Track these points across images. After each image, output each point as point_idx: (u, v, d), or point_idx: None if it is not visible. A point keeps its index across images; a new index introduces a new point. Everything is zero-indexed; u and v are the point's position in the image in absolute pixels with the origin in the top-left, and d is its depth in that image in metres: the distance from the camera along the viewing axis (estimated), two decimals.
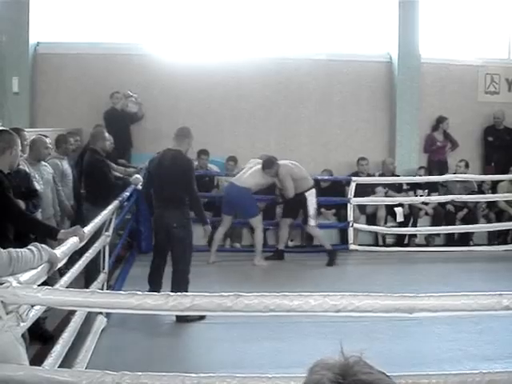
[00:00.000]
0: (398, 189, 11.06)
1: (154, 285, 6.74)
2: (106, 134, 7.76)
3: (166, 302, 2.93)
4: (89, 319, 5.45)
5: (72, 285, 4.28)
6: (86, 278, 6.37)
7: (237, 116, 11.38)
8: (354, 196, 10.43)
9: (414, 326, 5.83)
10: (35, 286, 3.15)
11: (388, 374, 1.12)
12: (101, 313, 5.75)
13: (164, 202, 6.70)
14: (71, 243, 3.89)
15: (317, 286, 7.00)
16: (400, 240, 10.78)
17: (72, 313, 4.76)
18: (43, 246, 3.10)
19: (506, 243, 10.75)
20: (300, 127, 11.57)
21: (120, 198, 6.96)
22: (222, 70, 11.14)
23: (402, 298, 3.08)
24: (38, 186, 5.99)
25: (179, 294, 2.99)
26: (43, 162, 6.92)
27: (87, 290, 3.17)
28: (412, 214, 10.94)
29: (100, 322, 5.87)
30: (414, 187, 11.05)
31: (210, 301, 3.02)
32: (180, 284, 6.42)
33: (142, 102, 10.87)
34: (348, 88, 11.60)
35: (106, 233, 6.33)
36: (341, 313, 3.06)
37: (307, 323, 5.61)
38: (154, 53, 11.13)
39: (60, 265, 3.45)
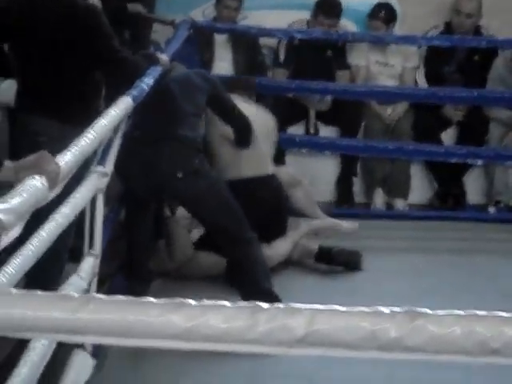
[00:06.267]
0: None
1: (136, 271, 3.73)
2: None
3: (253, 325, 1.16)
4: (55, 360, 2.37)
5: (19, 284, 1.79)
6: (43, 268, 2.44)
7: None
8: None
9: None
10: None
11: None
12: (81, 345, 2.64)
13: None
14: (31, 189, 1.66)
15: None
16: None
17: (22, 346, 2.19)
18: None
19: None
20: None
21: (134, 93, 3.05)
22: None
23: None
24: None
25: (279, 305, 1.22)
26: None
27: (75, 294, 1.27)
28: None
29: (80, 366, 2.65)
30: None
31: (348, 325, 1.30)
32: (251, 286, 3.47)
33: None
34: None
35: (99, 168, 2.81)
36: None
37: None
38: None
39: (12, 236, 1.61)
